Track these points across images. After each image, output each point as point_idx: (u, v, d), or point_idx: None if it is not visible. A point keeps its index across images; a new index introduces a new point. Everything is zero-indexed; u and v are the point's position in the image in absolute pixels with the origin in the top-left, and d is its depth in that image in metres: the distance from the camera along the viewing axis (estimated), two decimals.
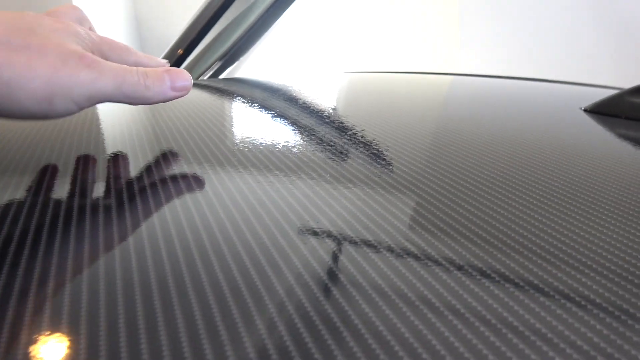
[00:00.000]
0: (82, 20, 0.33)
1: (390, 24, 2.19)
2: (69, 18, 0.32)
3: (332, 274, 0.17)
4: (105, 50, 0.30)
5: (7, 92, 0.23)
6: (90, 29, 0.34)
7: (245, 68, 0.92)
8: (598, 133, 0.39)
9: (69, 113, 0.26)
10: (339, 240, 0.20)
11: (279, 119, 0.44)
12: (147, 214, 0.23)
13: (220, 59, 0.82)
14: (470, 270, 0.18)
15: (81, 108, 0.26)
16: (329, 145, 0.34)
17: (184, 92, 0.30)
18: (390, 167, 0.29)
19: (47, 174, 0.28)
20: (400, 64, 2.15)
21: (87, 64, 0.26)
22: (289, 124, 0.42)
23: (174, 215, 0.22)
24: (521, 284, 0.17)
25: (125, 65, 0.28)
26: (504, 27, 1.90)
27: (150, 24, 3.08)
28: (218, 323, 0.15)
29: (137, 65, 0.31)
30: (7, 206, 0.24)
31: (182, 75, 0.30)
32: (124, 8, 2.93)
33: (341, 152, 0.32)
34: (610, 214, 0.22)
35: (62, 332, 0.14)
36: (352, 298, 0.16)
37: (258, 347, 0.14)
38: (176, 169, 0.29)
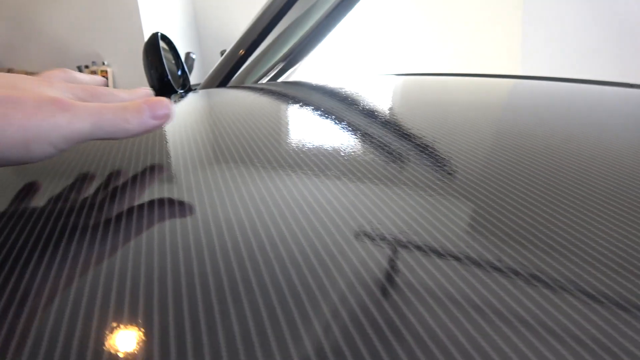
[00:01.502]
0: (71, 79, 0.34)
1: (448, 27, 2.14)
2: (56, 78, 0.32)
3: (408, 283, 0.17)
4: (86, 98, 0.31)
5: None
6: (83, 88, 0.34)
7: (299, 71, 0.91)
8: None
9: (47, 156, 0.27)
10: (412, 246, 0.19)
11: (340, 123, 0.42)
12: (207, 216, 0.23)
13: (281, 61, 0.82)
14: (549, 284, 0.16)
15: (60, 150, 0.27)
16: (394, 152, 0.32)
17: (165, 120, 0.30)
18: (465, 175, 0.27)
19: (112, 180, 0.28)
20: (458, 67, 2.10)
21: (62, 107, 0.26)
22: (350, 129, 0.40)
23: (233, 216, 0.22)
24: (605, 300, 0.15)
25: (103, 103, 0.29)
26: (568, 29, 1.81)
27: (208, 22, 3.14)
28: (281, 318, 0.15)
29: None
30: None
31: (162, 104, 0.30)
32: (182, 5, 3.00)
33: (408, 159, 0.31)
34: None
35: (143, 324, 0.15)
36: (414, 304, 0.15)
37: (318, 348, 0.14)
38: (236, 173, 0.29)
